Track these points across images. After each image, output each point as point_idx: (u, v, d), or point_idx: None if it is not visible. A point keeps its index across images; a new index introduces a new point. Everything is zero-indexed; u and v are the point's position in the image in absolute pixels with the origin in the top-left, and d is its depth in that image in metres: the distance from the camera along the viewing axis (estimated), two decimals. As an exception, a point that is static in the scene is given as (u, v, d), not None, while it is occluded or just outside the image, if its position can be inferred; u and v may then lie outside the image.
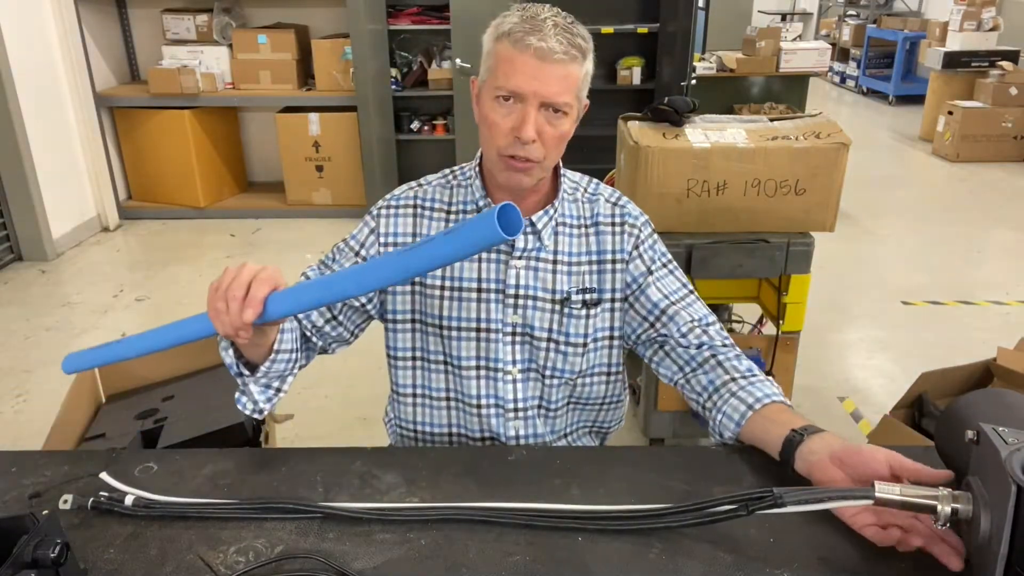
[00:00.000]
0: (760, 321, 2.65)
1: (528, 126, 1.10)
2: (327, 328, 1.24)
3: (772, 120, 2.18)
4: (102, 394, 1.91)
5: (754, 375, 1.16)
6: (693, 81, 4.30)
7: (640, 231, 1.27)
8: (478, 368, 1.26)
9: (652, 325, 1.25)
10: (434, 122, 5.04)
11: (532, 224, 1.22)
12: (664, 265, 1.28)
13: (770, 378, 1.17)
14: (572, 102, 1.13)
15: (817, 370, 3.02)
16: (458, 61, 4.44)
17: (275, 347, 1.08)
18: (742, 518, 0.86)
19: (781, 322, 2.17)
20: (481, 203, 1.24)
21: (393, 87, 4.83)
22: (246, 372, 1.10)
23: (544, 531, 0.91)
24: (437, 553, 0.88)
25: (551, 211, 1.24)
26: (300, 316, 1.21)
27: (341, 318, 1.25)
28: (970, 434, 0.82)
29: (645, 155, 1.98)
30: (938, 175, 5.88)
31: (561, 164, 1.26)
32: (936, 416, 1.88)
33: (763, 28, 5.38)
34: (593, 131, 4.66)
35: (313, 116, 4.70)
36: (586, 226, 1.26)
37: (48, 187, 4.20)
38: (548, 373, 1.27)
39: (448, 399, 1.30)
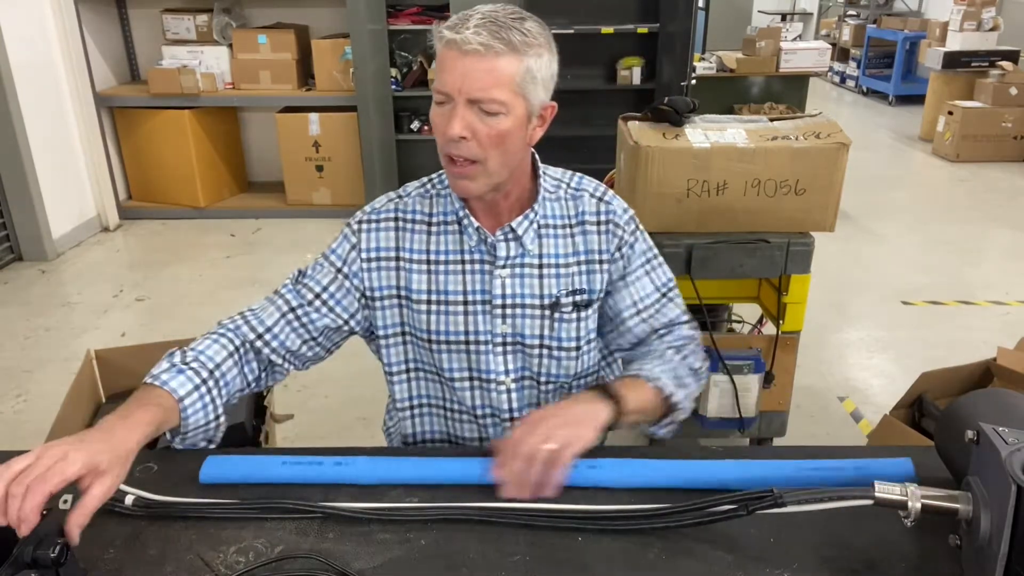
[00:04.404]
0: (760, 321, 2.65)
1: (453, 122, 1.05)
2: (304, 349, 1.22)
3: (772, 120, 2.18)
4: (102, 394, 1.91)
5: (658, 355, 1.22)
6: (693, 81, 4.31)
7: (623, 230, 1.23)
8: (471, 379, 1.24)
9: (613, 330, 1.28)
10: (434, 122, 5.03)
11: (512, 230, 1.18)
12: (642, 265, 1.25)
13: (681, 363, 1.21)
14: (507, 99, 1.05)
15: (817, 370, 3.02)
16: (458, 61, 4.43)
17: (181, 430, 1.07)
18: (742, 518, 0.86)
19: (781, 322, 2.17)
20: (460, 214, 1.18)
21: (393, 87, 4.82)
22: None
23: (544, 531, 0.91)
24: (437, 553, 0.88)
25: (531, 215, 1.19)
26: (271, 340, 1.19)
27: (321, 339, 1.23)
28: (970, 434, 0.82)
29: (645, 155, 1.98)
30: (938, 175, 5.88)
31: (540, 163, 1.22)
32: (936, 416, 1.88)
33: (763, 28, 5.40)
34: (593, 131, 4.68)
35: (313, 116, 4.70)
36: (571, 225, 1.22)
37: (48, 187, 4.20)
38: (543, 380, 1.25)
39: (445, 408, 1.29)
